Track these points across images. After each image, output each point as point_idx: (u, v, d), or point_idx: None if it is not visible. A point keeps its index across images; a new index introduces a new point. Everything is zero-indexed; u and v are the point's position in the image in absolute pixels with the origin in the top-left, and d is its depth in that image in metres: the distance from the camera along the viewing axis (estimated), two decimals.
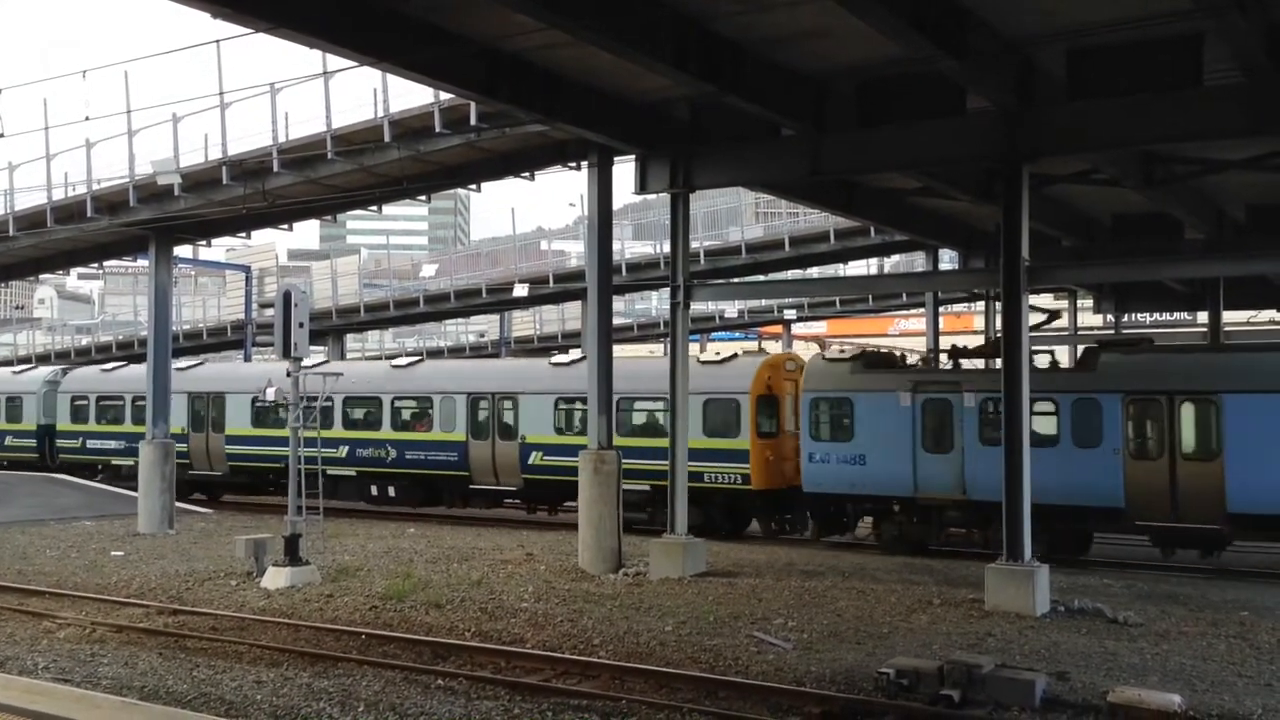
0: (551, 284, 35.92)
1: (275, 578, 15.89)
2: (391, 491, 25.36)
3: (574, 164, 19.58)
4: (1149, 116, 13.73)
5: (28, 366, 40.22)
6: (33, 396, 33.55)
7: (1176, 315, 35.79)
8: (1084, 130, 14.22)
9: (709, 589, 15.60)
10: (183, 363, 30.91)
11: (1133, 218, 22.03)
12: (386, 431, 25.51)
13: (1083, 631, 12.93)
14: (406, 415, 25.72)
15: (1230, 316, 29.30)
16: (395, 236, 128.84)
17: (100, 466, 30.30)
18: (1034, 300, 20.75)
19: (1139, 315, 35.03)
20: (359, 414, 26.21)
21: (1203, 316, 28.12)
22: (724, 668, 11.40)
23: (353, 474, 25.37)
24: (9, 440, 33.92)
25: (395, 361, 30.69)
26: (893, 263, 42.00)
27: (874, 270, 38.62)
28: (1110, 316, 31.79)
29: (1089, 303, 32.04)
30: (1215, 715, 9.50)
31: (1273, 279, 25.94)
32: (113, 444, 29.74)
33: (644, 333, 44.81)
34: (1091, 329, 35.61)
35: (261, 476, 27.43)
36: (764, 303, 42.78)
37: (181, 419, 27.49)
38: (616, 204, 19.29)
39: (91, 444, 30.44)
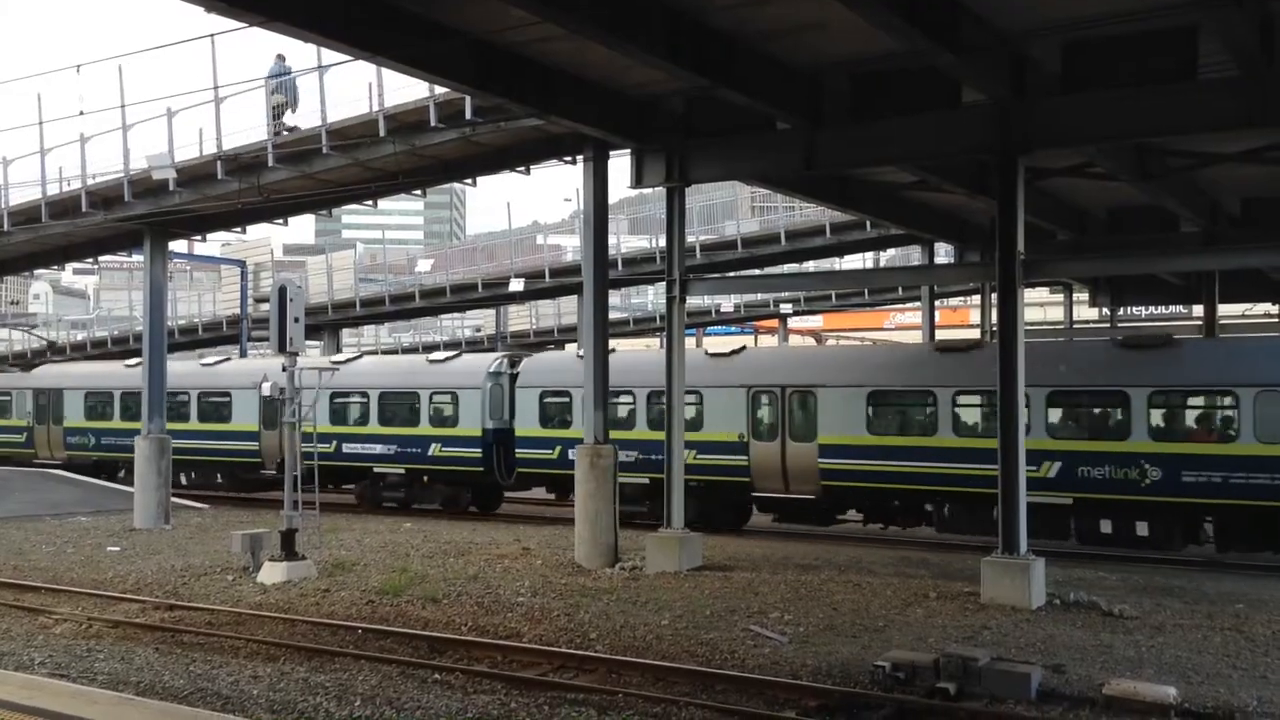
0: (547, 278, 35.87)
1: (271, 573, 15.89)
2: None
3: (569, 158, 19.55)
4: (1144, 110, 13.72)
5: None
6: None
7: (1172, 308, 35.79)
8: (1079, 123, 14.20)
9: (705, 583, 15.62)
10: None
11: (1128, 211, 22.03)
12: None
13: (1078, 624, 12.96)
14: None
15: (1225, 309, 29.36)
16: (391, 231, 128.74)
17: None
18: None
19: (1134, 309, 35.00)
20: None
21: (1198, 309, 28.12)
22: (720, 661, 11.43)
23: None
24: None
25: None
26: (889, 257, 41.93)
27: (870, 264, 38.61)
28: (1105, 309, 31.82)
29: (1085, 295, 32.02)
30: (1210, 707, 9.53)
31: (1268, 272, 25.99)
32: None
33: (640, 327, 44.74)
34: (1087, 322, 35.69)
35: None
36: (760, 297, 42.75)
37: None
38: (612, 198, 19.27)
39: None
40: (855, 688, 10.30)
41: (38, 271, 58.06)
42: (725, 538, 20.12)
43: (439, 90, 17.16)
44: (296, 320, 16.79)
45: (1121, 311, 33.44)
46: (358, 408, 25.93)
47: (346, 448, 25.29)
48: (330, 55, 18.33)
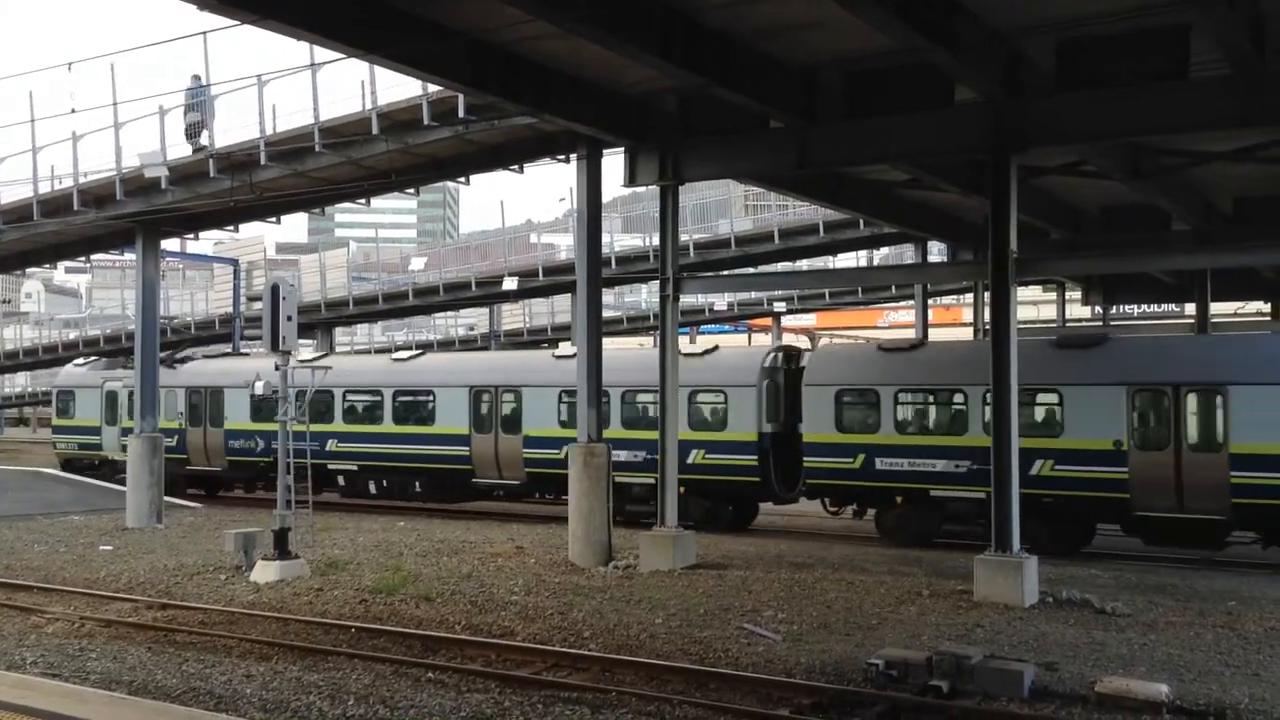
0: (541, 277, 35.86)
1: (264, 571, 15.86)
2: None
3: (563, 156, 19.53)
4: (1137, 108, 13.74)
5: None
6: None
7: (1165, 307, 35.87)
8: (1072, 122, 14.23)
9: (699, 581, 15.62)
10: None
11: (1121, 209, 22.08)
12: None
13: (1071, 622, 12.98)
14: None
15: (1218, 308, 29.42)
16: (384, 230, 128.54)
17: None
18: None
19: (1127, 306, 35.07)
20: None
21: (1190, 308, 28.19)
22: (714, 659, 11.43)
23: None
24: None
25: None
26: (882, 255, 41.99)
27: (864, 263, 38.65)
28: (1098, 308, 31.88)
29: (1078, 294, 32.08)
30: (1202, 704, 9.55)
31: (1260, 270, 26.07)
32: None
33: (633, 325, 44.77)
34: (1080, 320, 35.77)
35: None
36: (753, 295, 42.80)
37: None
38: (606, 196, 19.23)
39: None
40: (848, 685, 10.31)
41: (30, 270, 57.93)
42: (719, 536, 20.13)
43: (432, 88, 17.13)
44: (289, 319, 16.74)
45: (1114, 310, 33.54)
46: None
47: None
48: (322, 53, 18.30)
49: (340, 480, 25.57)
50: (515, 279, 34.94)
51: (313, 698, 9.99)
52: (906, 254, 36.06)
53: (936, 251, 29.74)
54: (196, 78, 21.98)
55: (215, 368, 29.17)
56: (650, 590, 15.01)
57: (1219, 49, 12.50)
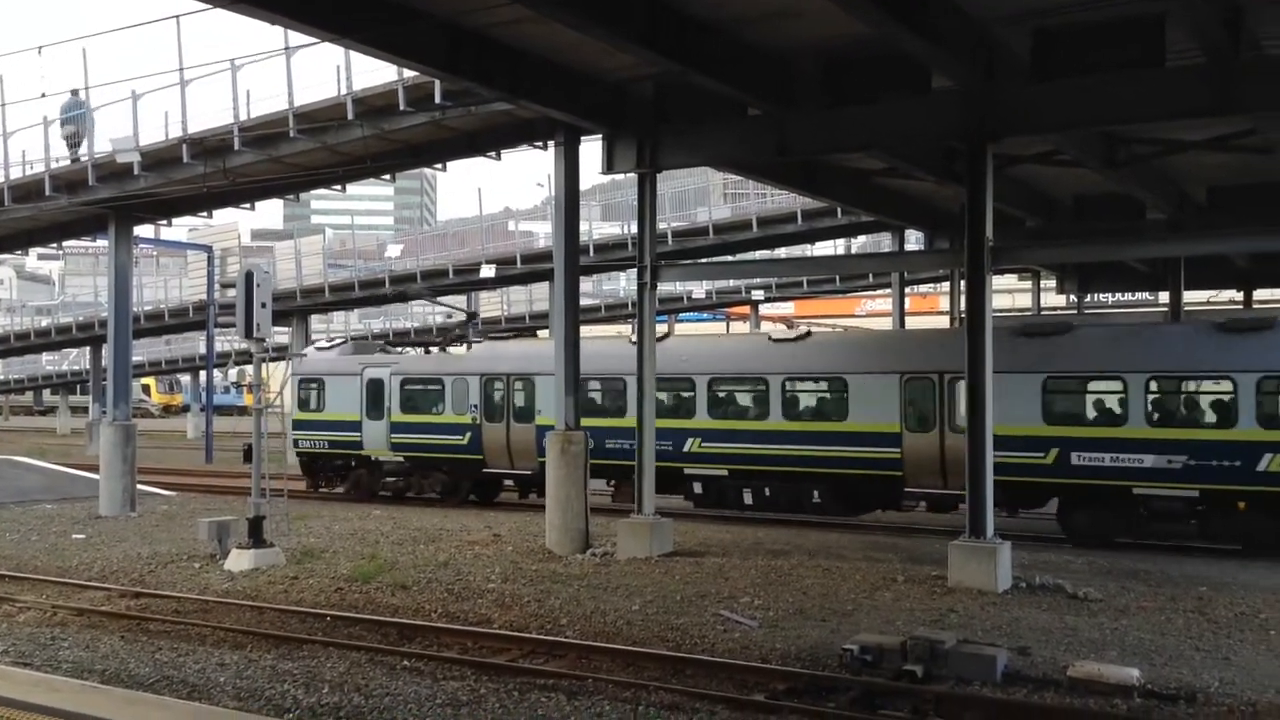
0: (519, 265, 35.75)
1: (239, 560, 15.78)
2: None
3: (540, 143, 19.46)
4: (1112, 97, 13.80)
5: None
6: None
7: (1139, 295, 36.13)
8: (1047, 110, 14.28)
9: (676, 568, 15.65)
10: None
11: (1095, 198, 22.20)
12: None
13: (1044, 607, 13.08)
14: None
15: (1191, 296, 29.64)
16: (360, 217, 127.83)
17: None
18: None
19: (1101, 295, 35.30)
20: None
21: (1164, 296, 28.37)
22: (690, 646, 11.46)
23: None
24: None
25: None
26: (860, 244, 42.10)
27: (841, 251, 38.74)
28: (1073, 296, 32.07)
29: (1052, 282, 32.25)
30: (1173, 688, 9.64)
31: (1233, 258, 26.27)
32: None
33: (612, 313, 44.73)
34: (1055, 309, 35.97)
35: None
36: (732, 283, 42.82)
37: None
38: (584, 184, 19.23)
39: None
40: (823, 670, 10.35)
41: (1, 256, 57.34)
42: (696, 523, 20.16)
43: (408, 74, 17.02)
44: (264, 305, 16.62)
45: (1089, 298, 33.74)
46: (1105, 400, 18.27)
47: (1083, 458, 17.79)
48: (297, 38, 18.13)
49: (696, 488, 21.38)
50: (493, 266, 34.80)
51: (287, 686, 9.95)
52: (884, 242, 36.19)
53: (914, 240, 29.87)
54: (75, 92, 22.43)
55: (519, 350, 24.83)
56: (627, 577, 15.02)
57: (1194, 38, 12.58)
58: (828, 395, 20.59)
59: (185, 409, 64.65)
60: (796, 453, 20.11)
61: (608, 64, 15.30)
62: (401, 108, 17.55)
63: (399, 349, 29.49)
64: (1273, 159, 17.28)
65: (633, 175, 17.79)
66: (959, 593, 13.85)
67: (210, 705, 9.19)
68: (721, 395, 21.39)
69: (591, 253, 33.23)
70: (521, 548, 17.48)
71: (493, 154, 19.87)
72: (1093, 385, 18.56)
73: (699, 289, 42.48)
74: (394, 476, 24.84)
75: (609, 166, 17.71)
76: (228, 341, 47.95)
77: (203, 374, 47.43)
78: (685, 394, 21.46)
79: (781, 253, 35.86)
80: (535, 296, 45.38)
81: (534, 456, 22.24)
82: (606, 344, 24.24)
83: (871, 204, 23.11)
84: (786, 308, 55.17)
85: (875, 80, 14.82)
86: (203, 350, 44.45)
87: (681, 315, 47.42)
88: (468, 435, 23.58)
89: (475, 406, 23.54)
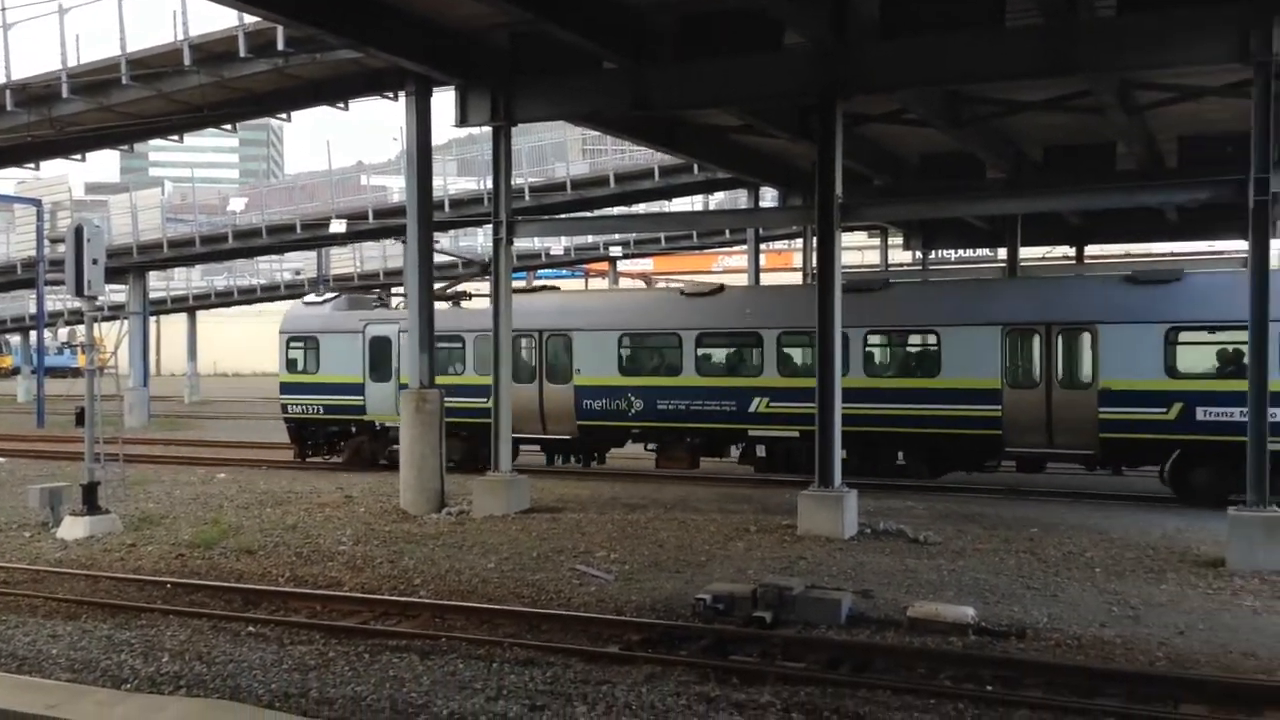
0: (371, 220, 34.87)
1: (73, 528, 15.06)
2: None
3: (391, 94, 18.95)
4: (956, 56, 14.19)
5: None
6: None
7: (980, 251, 37.49)
8: (895, 68, 14.60)
9: (533, 525, 15.63)
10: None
11: (940, 157, 22.84)
12: None
13: (887, 552, 13.56)
14: None
15: (1027, 252, 30.92)
16: (201, 169, 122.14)
17: None
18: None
19: (945, 251, 36.52)
20: None
21: (1003, 252, 29.53)
22: (546, 601, 11.46)
23: None
24: None
25: None
26: (717, 200, 42.51)
27: (699, 208, 39.02)
28: (918, 253, 33.10)
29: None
30: (1005, 625, 10.11)
31: (1066, 216, 27.49)
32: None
33: (468, 270, 44.09)
34: (902, 265, 37.08)
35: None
36: (590, 239, 42.73)
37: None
38: (441, 138, 18.93)
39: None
40: (677, 620, 10.50)
41: None
42: (554, 480, 20.17)
43: (249, 19, 16.32)
44: (95, 262, 15.75)
45: (933, 254, 34.89)
46: (1238, 350, 16.16)
47: (1210, 413, 16.58)
48: None
49: (760, 450, 19.93)
50: (344, 221, 33.84)
51: (124, 656, 9.54)
52: (740, 199, 36.63)
53: (770, 197, 30.28)
54: None
55: (554, 304, 22.70)
56: (483, 535, 14.93)
57: None
58: (918, 349, 19.46)
59: (15, 371, 61.24)
60: (880, 412, 18.61)
61: (460, 12, 14.94)
62: (242, 54, 16.85)
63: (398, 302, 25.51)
64: (1104, 120, 18.06)
65: (489, 129, 17.47)
66: (808, 540, 14.24)
67: (39, 678, 8.75)
68: (793, 351, 19.94)
69: (447, 208, 32.67)
70: (374, 509, 17.18)
71: (340, 104, 19.27)
72: (1221, 335, 17.13)
73: (557, 245, 42.24)
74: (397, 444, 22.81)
75: (462, 119, 17.36)
76: (59, 300, 45.53)
77: (33, 334, 44.92)
78: (750, 350, 20.20)
79: (640, 209, 35.91)
80: (390, 254, 44.34)
81: (572, 419, 21.09)
82: (651, 296, 23.51)
83: (728, 160, 23.31)
84: (645, 264, 55.47)
85: (730, 36, 14.90)
86: (33, 310, 42.09)
87: (540, 272, 47.11)
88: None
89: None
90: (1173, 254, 33.89)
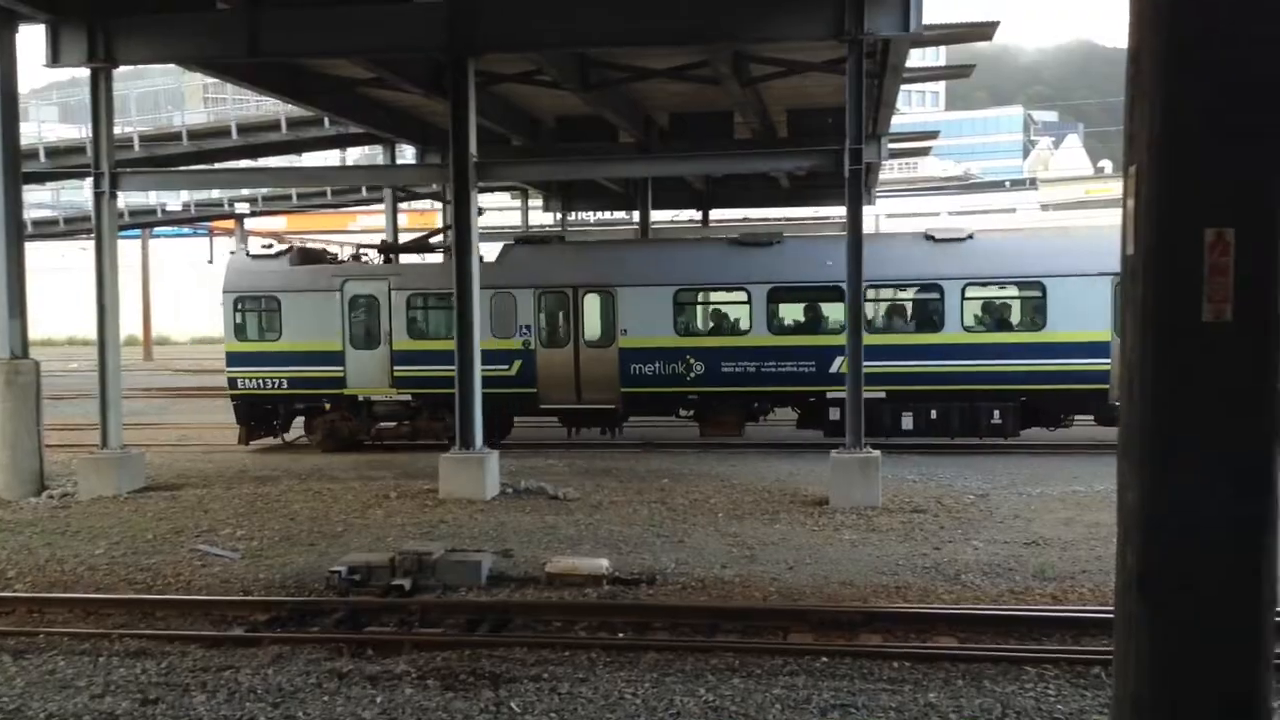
0: None
1: None
2: None
3: None
4: (585, 18, 14.42)
5: None
6: None
7: (616, 214, 38.76)
8: (525, 27, 14.62)
9: (149, 505, 14.45)
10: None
11: (574, 120, 23.27)
12: None
13: (528, 510, 13.74)
14: None
15: (659, 215, 32.33)
16: None
17: None
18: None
19: (583, 214, 37.43)
20: None
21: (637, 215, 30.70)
22: (163, 586, 10.62)
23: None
24: None
25: None
26: (356, 156, 41.05)
27: (335, 164, 37.45)
28: (558, 214, 33.69)
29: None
30: (636, 573, 10.53)
31: (691, 181, 28.99)
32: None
33: (72, 227, 39.92)
34: (543, 226, 37.63)
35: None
36: (216, 194, 39.89)
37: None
38: (40, 80, 16.76)
39: None
40: (310, 596, 10.07)
41: None
42: (177, 454, 18.76)
43: None
44: None
45: (572, 216, 35.65)
46: None
47: None
48: None
49: (834, 414, 18.01)
50: None
51: None
52: (380, 156, 35.56)
53: (411, 154, 29.58)
54: None
55: (593, 256, 20.69)
56: (90, 519, 13.61)
57: None
58: (1019, 302, 18.65)
59: None
60: (977, 369, 17.94)
61: None
62: None
63: (367, 255, 22.24)
64: (722, 90, 19.09)
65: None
66: (450, 504, 14.14)
67: None
68: (880, 306, 18.85)
69: (43, 157, 29.27)
70: None
71: None
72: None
73: (175, 200, 39.11)
74: (391, 420, 19.90)
75: (54, 58, 15.58)
76: None
77: None
78: (830, 305, 18.73)
79: (271, 163, 33.91)
80: None
81: (615, 386, 18.99)
82: (708, 247, 20.93)
83: (360, 115, 22.46)
84: (279, 223, 52.72)
85: None
86: None
87: (156, 230, 43.52)
88: (516, 364, 19.25)
89: (527, 328, 19.35)
90: (786, 219, 36.68)
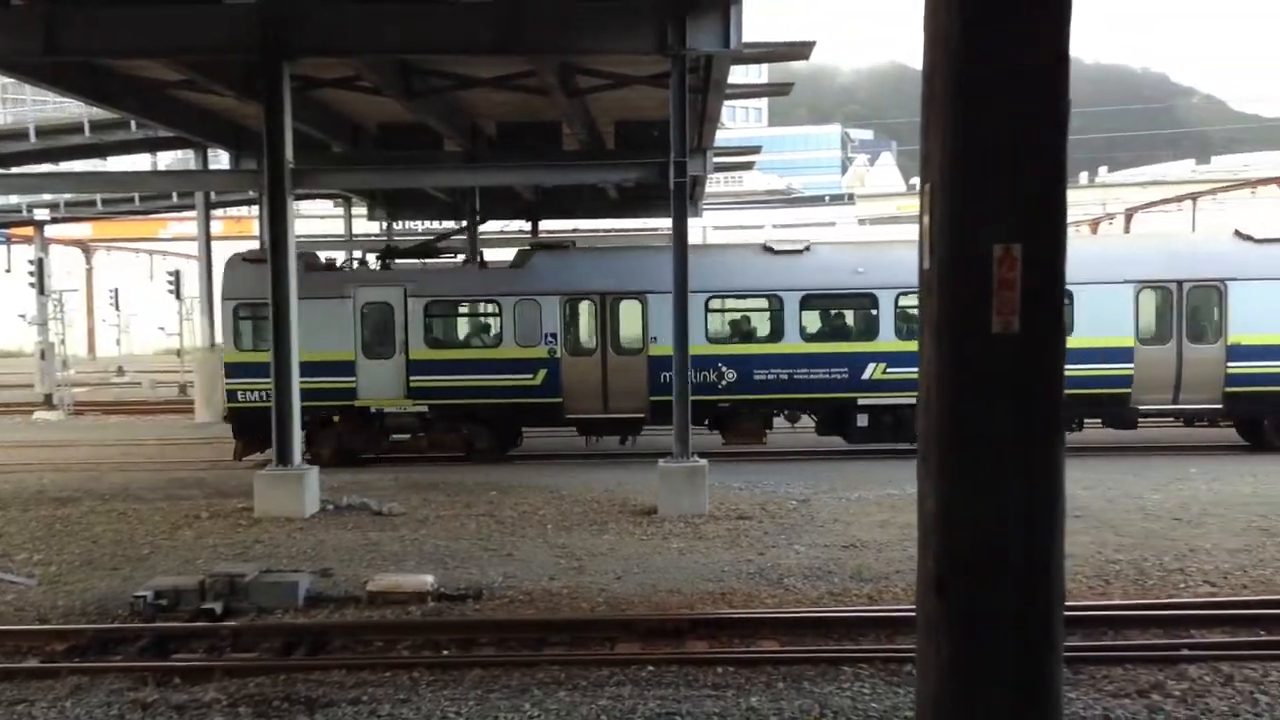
0: None
1: None
2: None
3: None
4: (404, 25, 14.17)
5: None
6: None
7: (445, 224, 38.25)
8: (340, 32, 14.26)
9: None
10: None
11: (398, 127, 22.77)
12: None
13: (350, 527, 13.36)
14: None
15: (490, 226, 32.07)
16: None
17: None
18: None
19: (410, 223, 36.76)
20: None
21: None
22: None
23: None
24: None
25: None
26: (168, 162, 39.11)
27: (146, 169, 35.59)
28: (383, 224, 33.01)
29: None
30: (463, 588, 10.36)
31: (519, 191, 28.86)
32: None
33: None
34: (369, 236, 36.76)
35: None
36: (14, 200, 37.37)
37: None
38: None
39: None
40: (112, 623, 9.52)
41: None
42: None
43: None
44: None
45: (399, 226, 34.97)
46: None
47: None
48: None
49: (862, 420, 18.43)
50: None
51: None
52: (193, 161, 34.04)
53: (224, 160, 28.42)
54: None
55: (624, 263, 19.62)
56: None
57: None
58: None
59: None
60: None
61: None
62: None
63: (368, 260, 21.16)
64: (549, 101, 19.05)
65: None
66: (266, 522, 13.62)
67: None
68: (914, 312, 17.91)
69: None
70: None
71: None
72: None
73: None
74: (405, 433, 18.80)
75: None
76: None
77: None
78: (862, 312, 18.71)
79: (74, 168, 32.01)
80: None
81: (644, 396, 18.46)
82: (739, 254, 20.14)
83: (169, 118, 21.41)
84: (84, 230, 49.85)
85: None
86: None
87: None
88: (541, 373, 18.63)
89: (552, 336, 18.68)
90: (617, 230, 36.96)
